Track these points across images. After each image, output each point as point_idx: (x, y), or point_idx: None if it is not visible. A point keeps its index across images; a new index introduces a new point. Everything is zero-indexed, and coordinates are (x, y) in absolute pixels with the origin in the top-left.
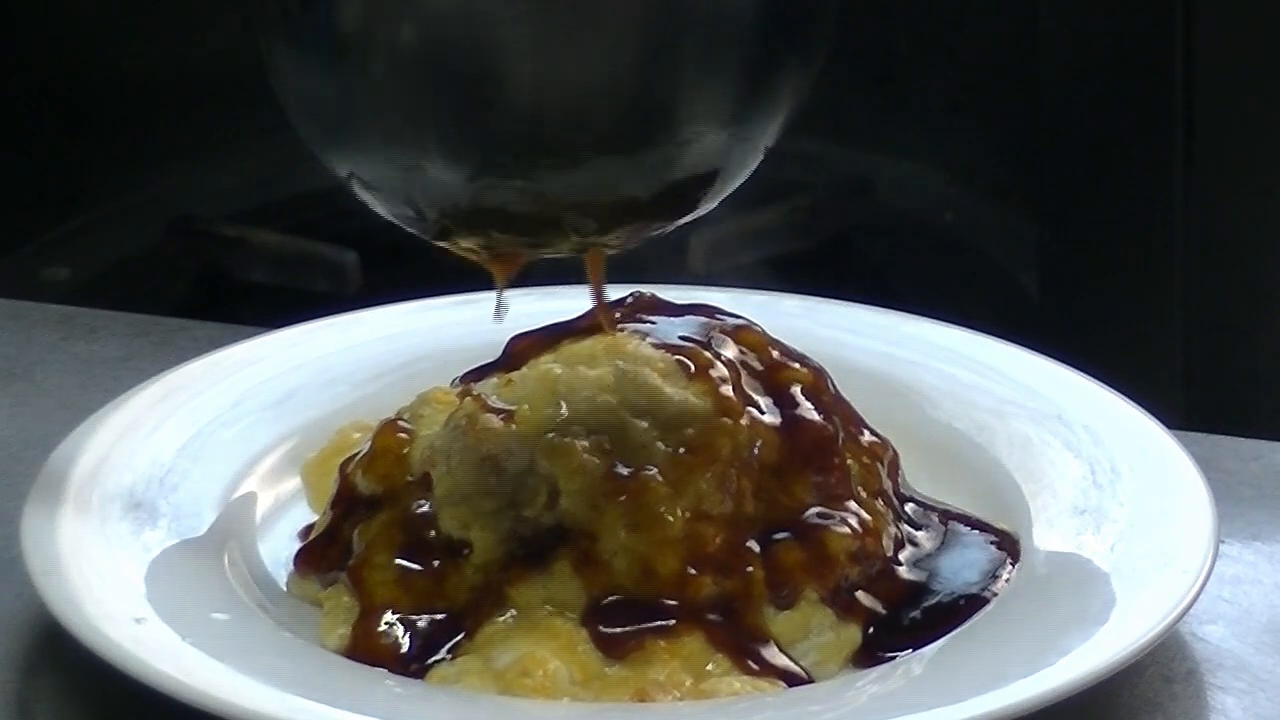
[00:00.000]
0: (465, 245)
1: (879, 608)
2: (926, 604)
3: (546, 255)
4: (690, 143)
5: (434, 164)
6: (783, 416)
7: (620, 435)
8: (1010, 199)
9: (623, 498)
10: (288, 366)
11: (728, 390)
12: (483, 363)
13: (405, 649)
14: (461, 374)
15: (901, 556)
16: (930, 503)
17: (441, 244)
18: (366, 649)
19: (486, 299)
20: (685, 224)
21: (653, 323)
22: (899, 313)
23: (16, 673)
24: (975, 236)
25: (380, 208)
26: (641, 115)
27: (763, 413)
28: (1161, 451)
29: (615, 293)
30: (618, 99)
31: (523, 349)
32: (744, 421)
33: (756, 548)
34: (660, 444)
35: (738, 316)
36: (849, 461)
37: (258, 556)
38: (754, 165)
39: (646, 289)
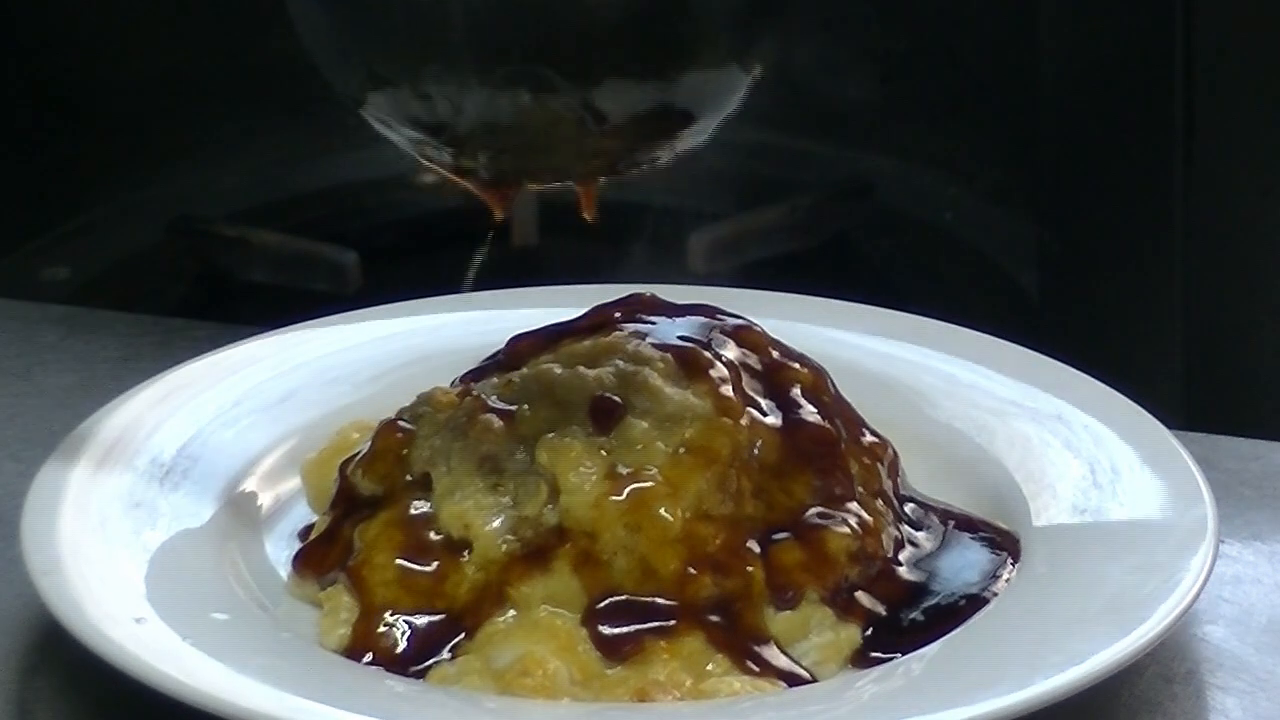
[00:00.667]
0: (470, 165)
1: (879, 608)
2: (926, 604)
3: (543, 184)
4: (690, 73)
5: (447, 66)
6: (783, 417)
7: (620, 434)
8: (1010, 199)
9: (623, 497)
10: (288, 366)
11: (728, 390)
12: (483, 361)
13: (405, 649)
14: (461, 374)
15: (901, 557)
16: (930, 503)
17: (445, 168)
18: (366, 649)
19: (486, 299)
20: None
21: (653, 323)
22: (899, 313)
23: (16, 673)
24: (975, 236)
25: (393, 125)
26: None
27: (763, 413)
28: (1161, 451)
29: (615, 293)
30: (630, 27)
31: (523, 349)
32: (744, 422)
33: (756, 548)
34: (660, 444)
35: (738, 316)
36: (849, 462)
37: (258, 556)
38: (743, 90)
39: (646, 289)
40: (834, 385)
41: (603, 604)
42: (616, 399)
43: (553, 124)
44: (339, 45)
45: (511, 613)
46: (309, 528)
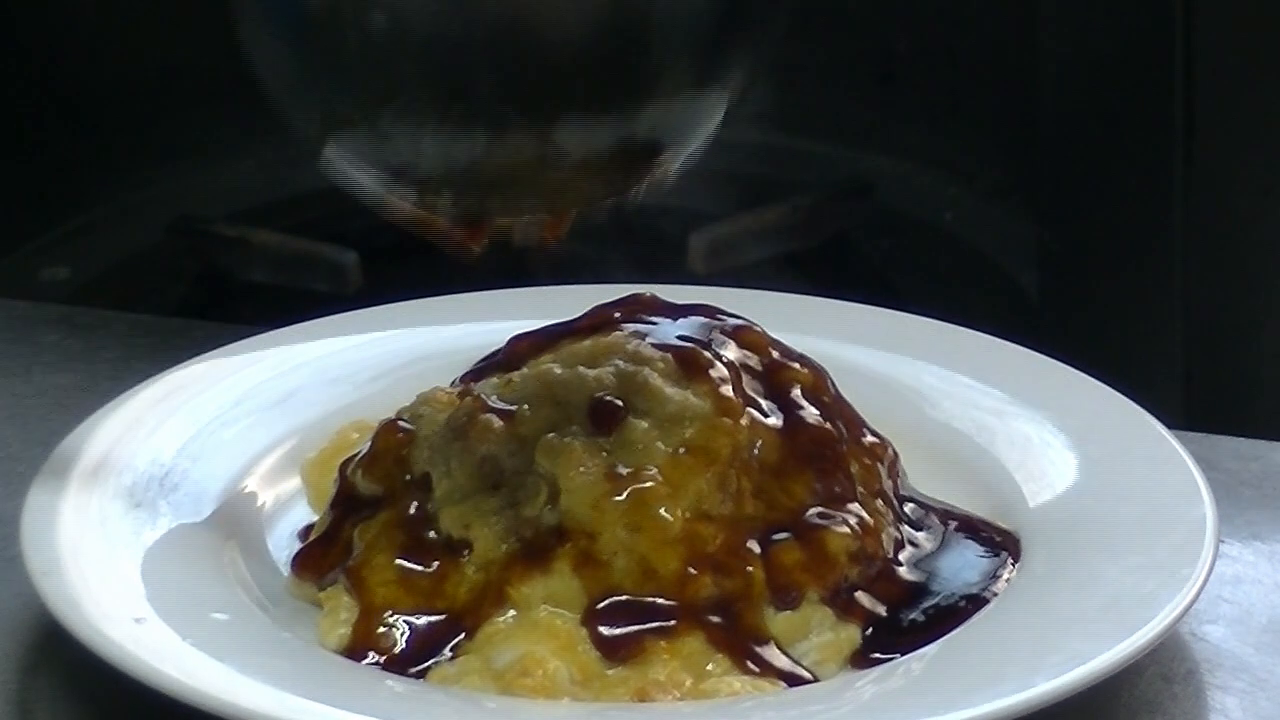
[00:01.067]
0: (434, 205)
1: (879, 608)
2: (926, 604)
3: (509, 222)
4: (651, 106)
5: (405, 106)
6: (783, 417)
7: (620, 435)
8: (1010, 199)
9: (622, 497)
10: (288, 366)
11: (728, 390)
12: (481, 359)
13: (405, 649)
14: (461, 374)
15: (901, 557)
16: (930, 503)
17: (411, 209)
18: (366, 649)
19: (487, 299)
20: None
21: (653, 323)
22: (899, 313)
23: (16, 673)
24: (975, 236)
25: (355, 168)
26: (612, 77)
27: (763, 413)
28: (1161, 451)
29: (615, 293)
30: (590, 62)
31: (522, 349)
32: (744, 422)
33: (757, 548)
34: (660, 444)
35: (738, 316)
36: (849, 462)
37: (258, 556)
38: (714, 119)
39: (646, 289)
40: (834, 385)
41: (603, 604)
42: (617, 402)
43: (514, 163)
44: (297, 86)
45: (511, 613)
46: (309, 528)
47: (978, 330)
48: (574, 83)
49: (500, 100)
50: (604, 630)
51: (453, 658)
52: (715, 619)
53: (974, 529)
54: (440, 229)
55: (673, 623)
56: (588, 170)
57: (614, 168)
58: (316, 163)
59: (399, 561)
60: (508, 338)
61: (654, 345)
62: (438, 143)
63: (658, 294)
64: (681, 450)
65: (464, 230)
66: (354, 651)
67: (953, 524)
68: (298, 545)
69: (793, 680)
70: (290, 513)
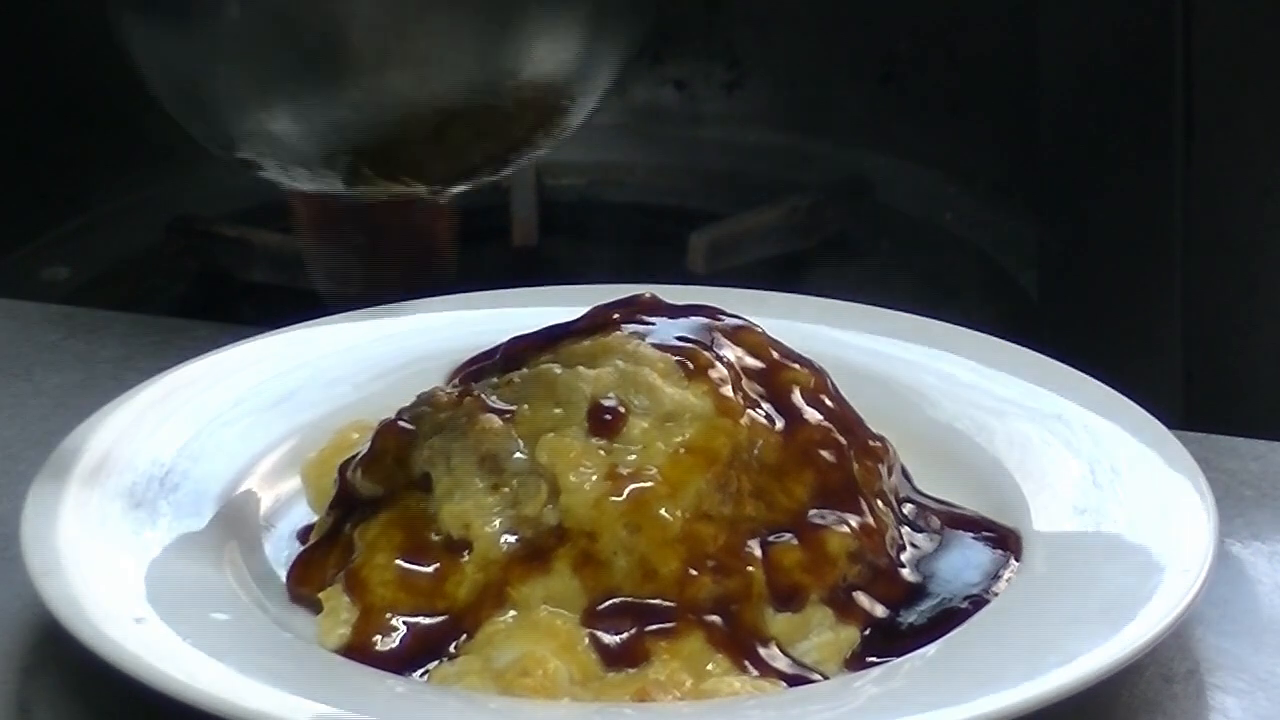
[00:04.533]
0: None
1: (879, 608)
2: (926, 604)
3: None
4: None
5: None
6: (783, 417)
7: (621, 435)
8: (1010, 199)
9: (622, 497)
10: (288, 366)
11: (728, 390)
12: (478, 355)
13: (406, 649)
14: (456, 367)
15: (902, 557)
16: (930, 503)
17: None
18: (366, 649)
19: (486, 299)
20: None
21: (653, 323)
22: (899, 313)
23: (16, 673)
24: (975, 236)
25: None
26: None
27: (763, 413)
28: (1161, 451)
29: (615, 293)
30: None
31: (522, 349)
32: (744, 422)
33: (757, 548)
34: (660, 444)
35: (738, 316)
36: (849, 462)
37: (258, 556)
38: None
39: (646, 289)
40: (834, 386)
41: (603, 605)
42: (618, 407)
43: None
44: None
45: (511, 613)
46: (309, 528)
47: (978, 330)
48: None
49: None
50: (604, 638)
51: (453, 658)
52: (715, 619)
53: (974, 529)
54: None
55: (673, 623)
56: (480, 128)
57: (511, 123)
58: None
59: (399, 562)
60: (507, 338)
61: (654, 345)
62: (322, 115)
63: (658, 294)
64: (681, 450)
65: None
66: (354, 651)
67: (953, 524)
68: (297, 546)
69: (793, 680)
70: (290, 513)
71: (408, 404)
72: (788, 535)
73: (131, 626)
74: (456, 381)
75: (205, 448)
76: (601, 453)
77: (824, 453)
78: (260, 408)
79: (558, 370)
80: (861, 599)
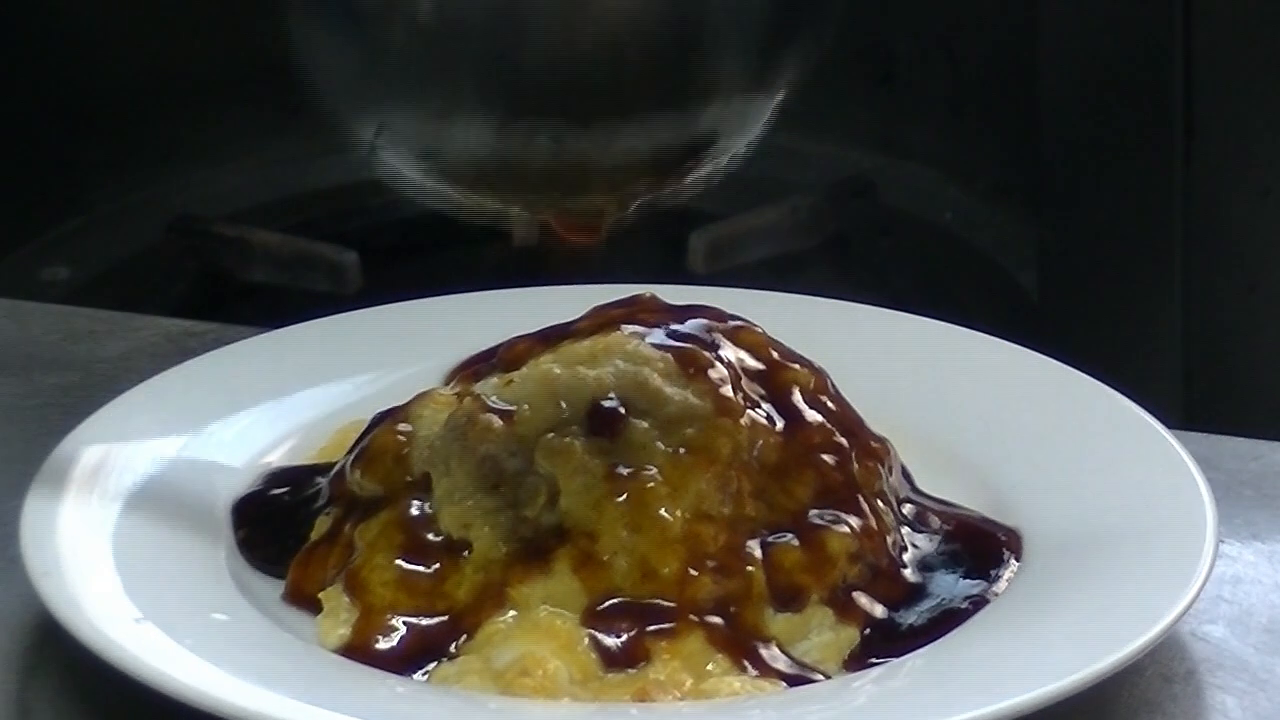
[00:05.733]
0: (485, 207)
1: (879, 608)
2: (926, 604)
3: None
4: (701, 108)
5: (463, 114)
6: (783, 417)
7: (621, 435)
8: (1010, 199)
9: (623, 498)
10: (288, 366)
11: (728, 390)
12: (477, 355)
13: (406, 649)
14: (456, 367)
15: (903, 558)
16: (930, 503)
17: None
18: (366, 650)
19: (487, 299)
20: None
21: (653, 323)
22: (899, 313)
23: (16, 673)
24: (975, 236)
25: (408, 164)
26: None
27: (763, 414)
28: (1161, 451)
29: (615, 293)
30: (641, 61)
31: (521, 349)
32: (744, 422)
33: (757, 548)
34: (660, 444)
35: (737, 316)
36: (849, 462)
37: None
38: (759, 128)
39: (646, 289)
40: (834, 386)
41: (603, 606)
42: (619, 410)
43: (566, 159)
44: (349, 81)
45: (511, 613)
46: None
47: (978, 330)
48: (630, 82)
49: (554, 114)
50: (604, 638)
51: (453, 658)
52: (715, 619)
53: (974, 529)
54: (520, 223)
55: (673, 623)
56: (636, 169)
57: (663, 167)
58: (369, 158)
59: (399, 562)
60: (507, 338)
61: (654, 345)
62: (486, 138)
63: (658, 294)
64: (681, 450)
65: (576, 228)
66: (354, 652)
67: (953, 524)
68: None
69: (793, 680)
70: None
71: (407, 404)
72: (788, 535)
73: (131, 626)
74: (456, 382)
75: (205, 448)
76: (602, 453)
77: (824, 453)
78: (260, 408)
79: (558, 370)
80: (861, 599)
